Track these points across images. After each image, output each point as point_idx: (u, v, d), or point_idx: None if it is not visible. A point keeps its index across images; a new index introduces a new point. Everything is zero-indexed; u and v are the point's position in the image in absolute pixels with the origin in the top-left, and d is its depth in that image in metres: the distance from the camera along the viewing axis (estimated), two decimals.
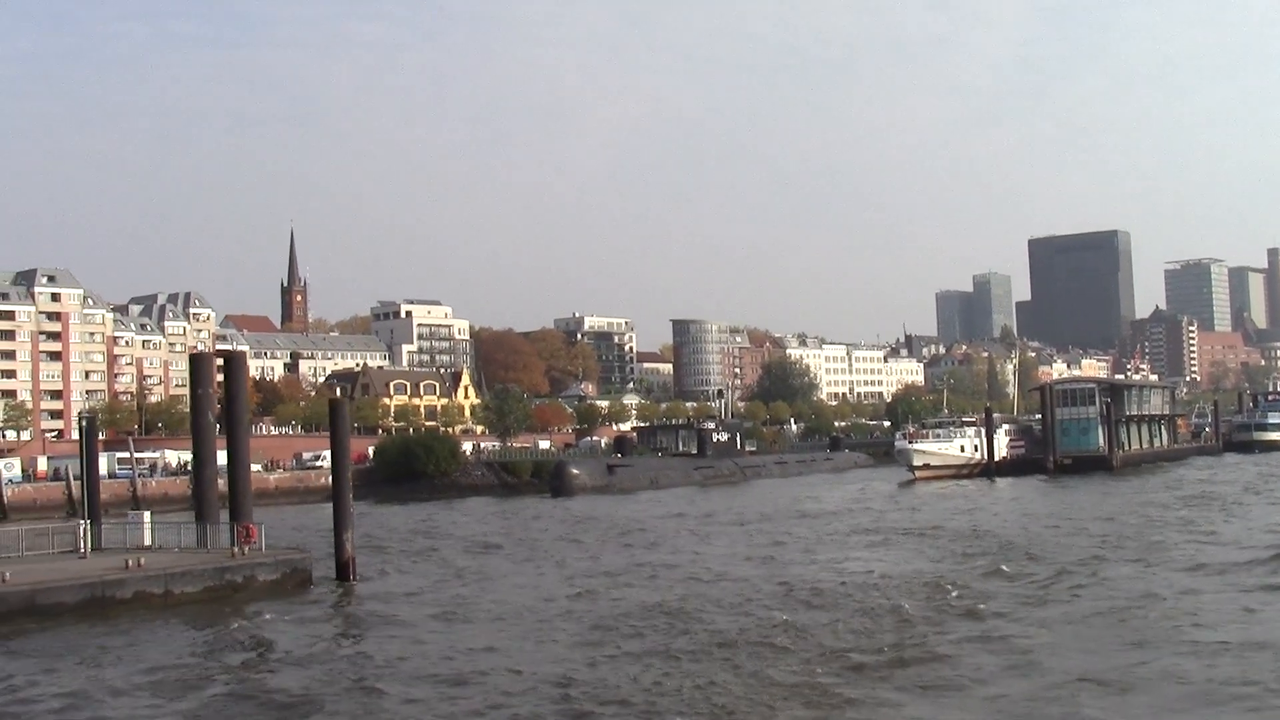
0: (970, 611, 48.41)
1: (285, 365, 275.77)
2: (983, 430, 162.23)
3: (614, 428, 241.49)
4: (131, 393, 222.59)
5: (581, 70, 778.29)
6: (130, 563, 53.41)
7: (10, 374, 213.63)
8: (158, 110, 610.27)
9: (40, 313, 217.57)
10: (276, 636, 47.18)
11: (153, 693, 38.06)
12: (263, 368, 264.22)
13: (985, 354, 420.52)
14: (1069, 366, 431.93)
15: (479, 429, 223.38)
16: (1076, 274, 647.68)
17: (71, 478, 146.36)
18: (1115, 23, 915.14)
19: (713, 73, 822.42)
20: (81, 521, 62.22)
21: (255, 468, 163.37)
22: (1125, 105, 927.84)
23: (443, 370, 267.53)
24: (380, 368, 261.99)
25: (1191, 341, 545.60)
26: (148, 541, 63.14)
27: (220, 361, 71.49)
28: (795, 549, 73.67)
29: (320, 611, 53.45)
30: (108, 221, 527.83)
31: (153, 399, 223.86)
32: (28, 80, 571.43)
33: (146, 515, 66.16)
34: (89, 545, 59.57)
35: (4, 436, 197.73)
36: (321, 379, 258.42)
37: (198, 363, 66.00)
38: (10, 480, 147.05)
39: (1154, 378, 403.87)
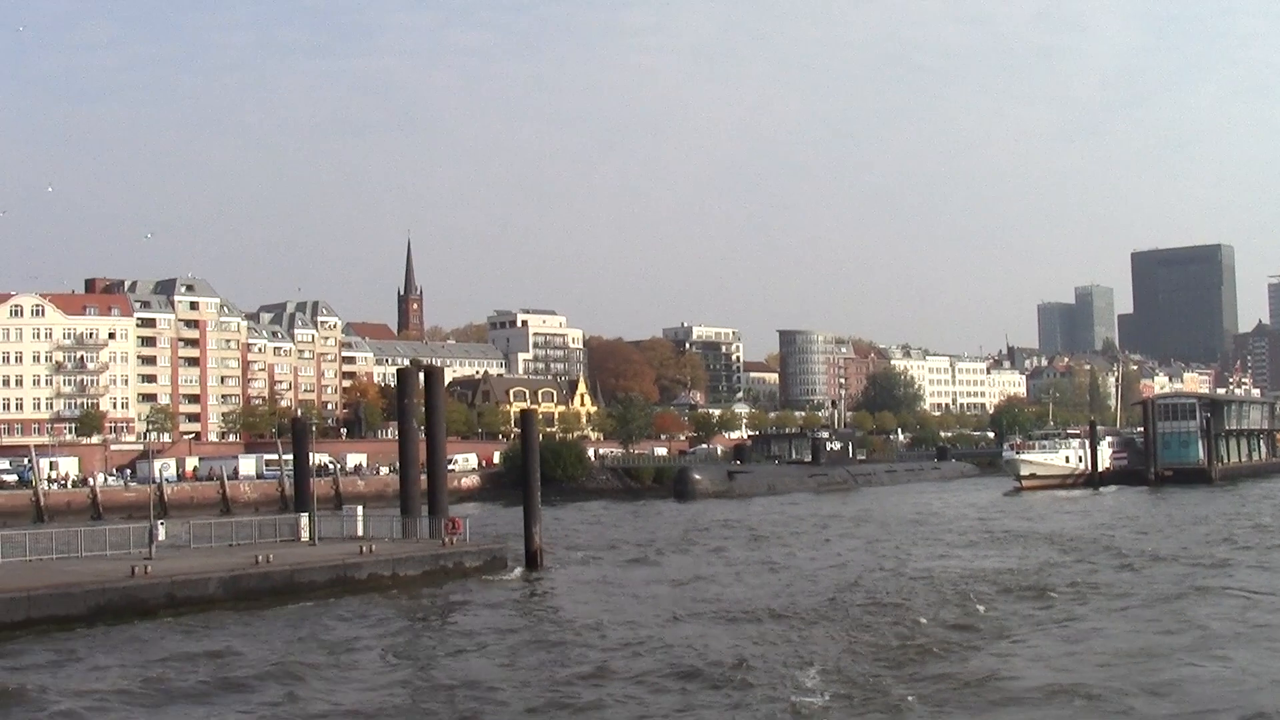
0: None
1: None
2: (1087, 442, 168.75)
3: (725, 435, 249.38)
4: (264, 397, 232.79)
5: (683, 78, 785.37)
6: (364, 549, 62.61)
7: (151, 378, 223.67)
8: (268, 120, 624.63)
9: (180, 320, 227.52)
10: (489, 610, 56.02)
11: (407, 652, 46.58)
12: (384, 374, 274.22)
13: (1087, 366, 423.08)
14: (1171, 380, 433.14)
15: (594, 435, 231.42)
16: (1179, 287, 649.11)
17: (225, 477, 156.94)
18: (1221, 33, 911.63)
19: (814, 81, 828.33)
20: (303, 514, 71.38)
21: (383, 470, 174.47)
22: (1230, 117, 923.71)
23: (558, 378, 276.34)
24: (499, 375, 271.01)
25: None
26: (360, 532, 72.42)
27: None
28: (946, 548, 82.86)
29: (520, 592, 62.61)
30: (228, 230, 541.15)
31: (282, 403, 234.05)
32: (141, 88, 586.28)
33: (359, 509, 75.43)
34: (315, 534, 68.60)
35: (145, 439, 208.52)
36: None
37: (403, 376, 75.15)
38: (167, 479, 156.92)
39: (1256, 392, 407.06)
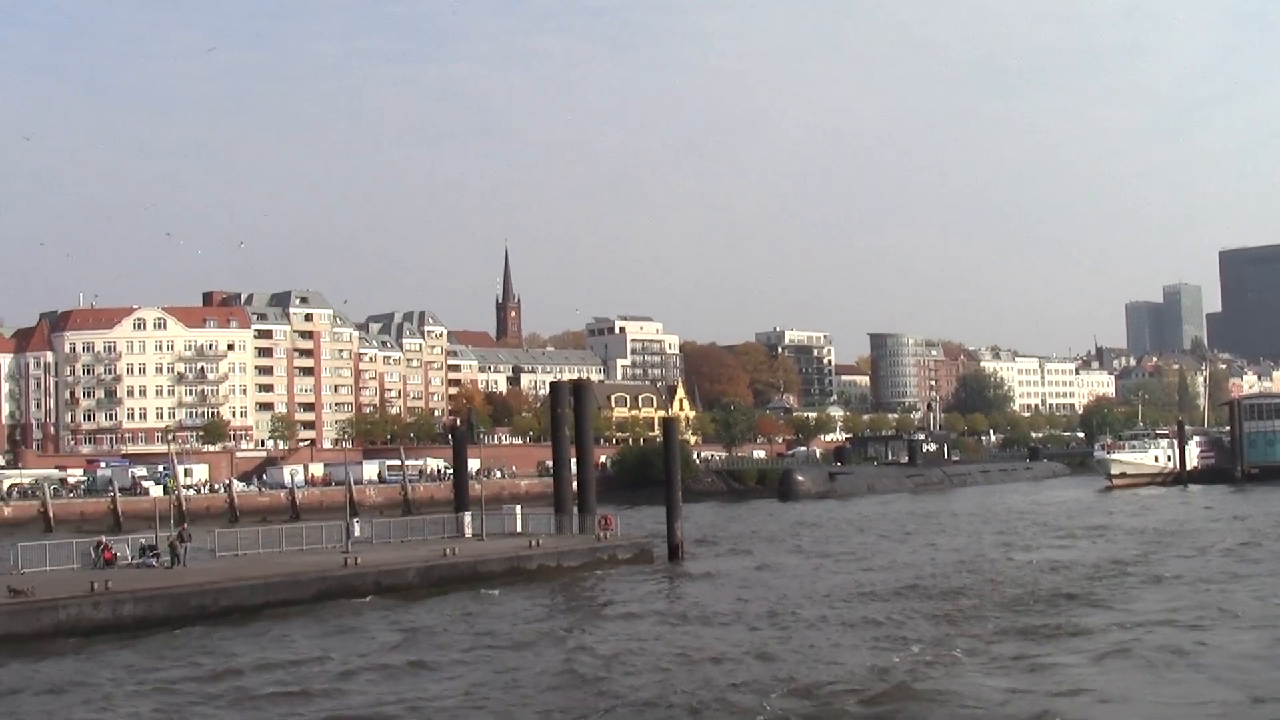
0: None
1: (508, 379, 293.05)
2: (1175, 441, 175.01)
3: (821, 438, 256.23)
4: (375, 405, 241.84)
5: (764, 81, 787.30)
6: (531, 544, 70.96)
7: (269, 388, 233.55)
8: (356, 129, 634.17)
9: (295, 332, 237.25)
10: (641, 595, 63.79)
11: (577, 623, 54.41)
12: (487, 381, 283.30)
13: (1176, 366, 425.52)
14: (1260, 379, 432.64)
15: (693, 439, 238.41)
16: (1268, 285, 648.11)
17: (352, 482, 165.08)
18: None
19: (897, 83, 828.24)
20: (466, 513, 79.88)
21: (495, 473, 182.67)
22: None
23: (655, 383, 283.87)
24: (600, 381, 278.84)
25: None
26: (518, 529, 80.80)
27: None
28: (1063, 537, 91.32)
29: (672, 579, 70.43)
30: (327, 240, 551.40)
31: (392, 411, 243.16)
32: (228, 99, 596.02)
33: (518, 509, 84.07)
34: (483, 530, 76.97)
35: (265, 446, 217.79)
36: (543, 391, 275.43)
37: (556, 390, 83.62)
38: (296, 485, 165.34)
39: None
